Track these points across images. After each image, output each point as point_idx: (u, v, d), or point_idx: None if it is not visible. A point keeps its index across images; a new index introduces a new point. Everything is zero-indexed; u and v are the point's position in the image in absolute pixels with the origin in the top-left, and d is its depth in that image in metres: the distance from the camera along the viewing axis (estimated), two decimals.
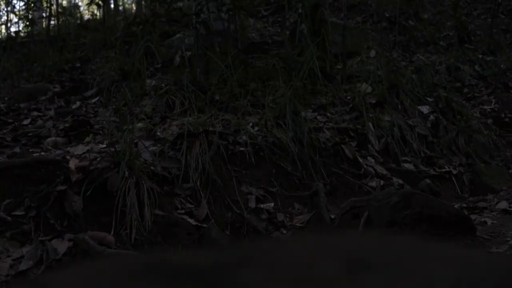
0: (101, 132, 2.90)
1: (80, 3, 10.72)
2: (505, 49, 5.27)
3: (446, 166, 3.17)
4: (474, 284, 0.27)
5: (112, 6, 8.55)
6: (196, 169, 2.23)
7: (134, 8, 9.70)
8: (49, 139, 2.70)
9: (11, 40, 6.99)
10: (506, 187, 3.06)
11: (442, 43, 5.56)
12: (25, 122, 3.24)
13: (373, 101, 3.33)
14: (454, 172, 3.13)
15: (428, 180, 2.86)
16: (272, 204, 2.30)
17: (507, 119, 4.18)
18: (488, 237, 2.04)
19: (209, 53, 3.62)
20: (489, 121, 4.06)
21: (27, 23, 7.54)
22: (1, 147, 2.52)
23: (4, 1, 8.30)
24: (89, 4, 7.57)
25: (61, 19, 7.13)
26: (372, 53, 4.39)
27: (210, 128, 2.46)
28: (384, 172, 2.79)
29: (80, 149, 2.37)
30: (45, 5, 7.66)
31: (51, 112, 3.53)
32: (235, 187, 2.29)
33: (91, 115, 3.55)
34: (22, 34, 7.55)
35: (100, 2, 6.95)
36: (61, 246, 1.73)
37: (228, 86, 3.19)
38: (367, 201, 2.09)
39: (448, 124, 3.55)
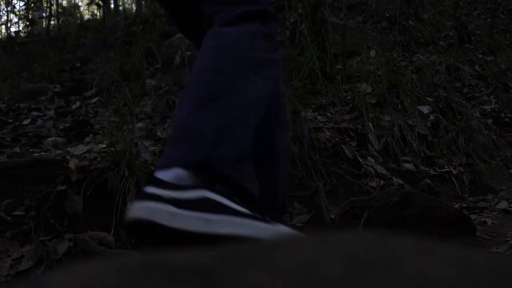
0: (101, 132, 2.90)
1: (80, 3, 10.72)
2: (505, 49, 5.27)
3: (446, 166, 3.17)
4: (474, 284, 0.27)
5: (112, 6, 8.55)
6: None
7: (134, 8, 9.70)
8: (49, 139, 2.70)
9: (11, 40, 6.99)
10: (506, 187, 3.07)
11: (442, 43, 5.56)
12: (25, 122, 3.24)
13: (373, 101, 3.33)
14: (454, 172, 3.13)
15: (428, 180, 2.86)
16: None
17: (507, 119, 4.18)
18: (488, 237, 2.05)
19: None
20: (489, 121, 4.06)
21: (27, 23, 7.54)
22: (1, 147, 2.52)
23: (4, 1, 8.31)
24: (89, 4, 7.57)
25: (61, 19, 7.14)
26: (372, 53, 4.39)
27: None
28: (384, 172, 2.79)
29: (80, 149, 2.37)
30: (45, 5, 7.67)
31: (51, 112, 3.53)
32: None
33: (91, 115, 3.55)
34: (22, 34, 7.56)
35: (100, 2, 6.95)
36: (61, 246, 1.73)
37: None
38: (367, 201, 2.09)
39: (448, 124, 3.55)
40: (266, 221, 0.91)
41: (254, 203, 0.96)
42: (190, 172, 0.93)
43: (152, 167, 2.19)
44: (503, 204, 2.54)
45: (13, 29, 8.20)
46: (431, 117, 3.52)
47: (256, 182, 1.02)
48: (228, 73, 1.12)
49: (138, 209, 0.88)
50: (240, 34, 1.21)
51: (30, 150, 2.45)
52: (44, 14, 7.71)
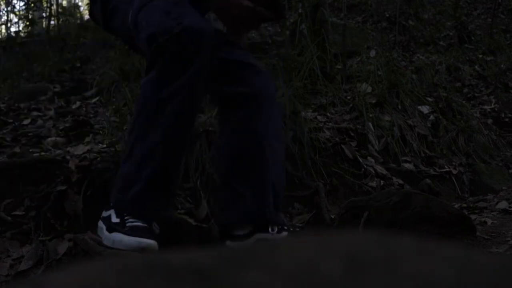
0: (101, 132, 2.90)
1: (80, 3, 10.72)
2: (505, 49, 5.28)
3: (446, 166, 3.17)
4: (474, 284, 0.27)
5: None
6: (196, 169, 2.23)
7: None
8: (49, 139, 2.69)
9: (11, 40, 6.99)
10: (506, 187, 3.06)
11: (442, 43, 5.56)
12: (25, 122, 3.24)
13: (373, 101, 3.33)
14: (454, 172, 3.13)
15: (428, 180, 2.86)
16: None
17: (507, 119, 4.18)
18: (488, 237, 2.04)
19: None
20: (489, 121, 4.06)
21: (27, 23, 7.54)
22: (1, 147, 2.52)
23: (4, 1, 8.30)
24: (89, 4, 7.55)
25: (61, 19, 7.13)
26: (372, 53, 4.39)
27: (211, 128, 2.45)
28: (384, 172, 2.79)
29: (80, 149, 2.37)
30: (45, 5, 7.66)
31: (51, 112, 3.53)
32: None
33: (91, 115, 3.55)
34: (22, 34, 7.55)
35: None
36: (61, 246, 1.73)
37: None
38: (367, 201, 2.09)
39: (448, 124, 3.55)
40: (127, 234, 1.47)
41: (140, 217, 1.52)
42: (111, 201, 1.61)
43: None
44: (503, 204, 2.54)
45: (13, 29, 8.20)
46: (431, 117, 3.52)
47: (152, 206, 1.57)
48: (136, 126, 1.57)
49: None
50: (144, 83, 1.57)
51: (30, 150, 2.45)
52: (44, 14, 7.71)
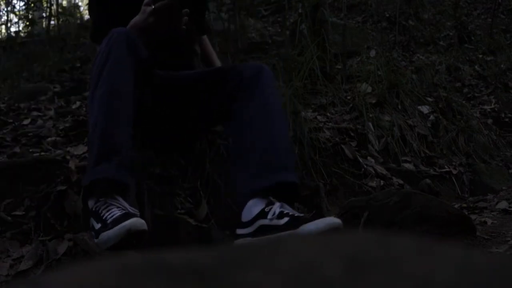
0: None
1: (80, 3, 10.71)
2: (505, 49, 5.28)
3: (446, 166, 3.17)
4: (474, 284, 0.27)
5: None
6: (196, 169, 2.23)
7: None
8: (49, 139, 2.69)
9: (11, 40, 6.99)
10: (506, 187, 3.06)
11: (442, 43, 5.56)
12: (25, 122, 3.23)
13: (373, 101, 3.33)
14: (454, 172, 3.13)
15: (428, 180, 2.86)
16: None
17: (507, 119, 4.18)
18: (488, 237, 2.04)
19: None
20: (489, 121, 4.06)
21: (27, 23, 7.54)
22: (1, 147, 2.52)
23: (4, 1, 8.30)
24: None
25: (61, 19, 7.13)
26: (372, 53, 4.39)
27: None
28: (384, 172, 2.79)
29: (80, 149, 2.37)
30: (45, 5, 7.66)
31: (51, 112, 3.53)
32: None
33: None
34: (22, 34, 7.55)
35: None
36: (61, 246, 1.73)
37: None
38: (367, 201, 2.09)
39: (448, 124, 3.55)
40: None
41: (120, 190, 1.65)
42: None
43: (152, 167, 2.20)
44: (503, 204, 2.54)
45: (13, 29, 8.20)
46: (431, 117, 3.52)
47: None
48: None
49: None
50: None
51: (30, 150, 2.45)
52: (44, 14, 7.71)
